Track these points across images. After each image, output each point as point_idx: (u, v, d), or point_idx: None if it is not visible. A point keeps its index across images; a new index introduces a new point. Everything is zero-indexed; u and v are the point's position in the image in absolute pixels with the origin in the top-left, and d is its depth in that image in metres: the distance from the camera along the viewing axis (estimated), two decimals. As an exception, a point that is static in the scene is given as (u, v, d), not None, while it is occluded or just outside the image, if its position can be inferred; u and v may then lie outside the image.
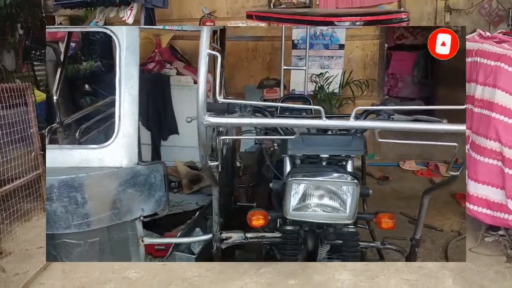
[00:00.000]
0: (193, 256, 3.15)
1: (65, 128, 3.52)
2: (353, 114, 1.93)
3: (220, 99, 1.97)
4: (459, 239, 4.17)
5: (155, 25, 5.10)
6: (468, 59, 3.62)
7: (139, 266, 3.34)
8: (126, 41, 2.52)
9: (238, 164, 4.32)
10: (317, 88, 5.76)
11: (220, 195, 2.72)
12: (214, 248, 2.67)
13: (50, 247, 2.58)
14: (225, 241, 2.68)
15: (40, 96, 4.42)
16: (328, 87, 5.73)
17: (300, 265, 3.29)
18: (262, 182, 3.75)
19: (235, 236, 2.68)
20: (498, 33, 3.77)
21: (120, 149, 2.55)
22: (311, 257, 2.50)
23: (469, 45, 3.63)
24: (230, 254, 3.12)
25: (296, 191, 2.21)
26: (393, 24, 3.41)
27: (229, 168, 3.92)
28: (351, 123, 1.93)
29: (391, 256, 3.18)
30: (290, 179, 2.20)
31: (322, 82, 5.76)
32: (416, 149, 6.07)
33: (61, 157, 2.57)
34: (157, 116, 4.77)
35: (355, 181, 2.17)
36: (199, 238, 2.99)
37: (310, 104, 3.56)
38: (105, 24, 5.11)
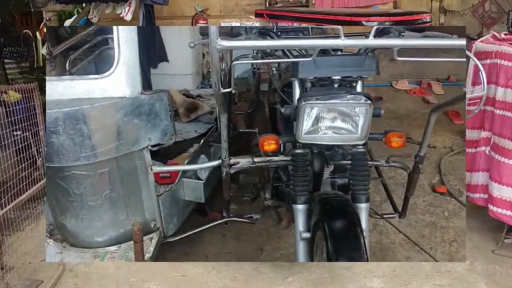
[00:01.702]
0: (201, 181, 3.17)
1: (52, 59, 3.39)
2: (372, 32, 1.85)
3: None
4: (452, 154, 4.36)
5: (155, 22, 4.90)
6: (487, 61, 3.59)
7: (158, 278, 3.29)
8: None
9: (233, 91, 4.15)
10: None
11: (221, 123, 2.75)
12: (224, 173, 2.70)
13: (60, 180, 2.59)
14: (233, 166, 2.70)
15: (14, 96, 4.18)
16: None
17: (329, 273, 3.26)
18: (260, 108, 3.80)
19: (243, 161, 2.70)
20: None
21: (122, 78, 2.51)
22: (317, 178, 2.50)
23: (486, 46, 3.59)
24: (234, 179, 3.18)
25: (309, 114, 2.17)
26: (417, 24, 3.37)
27: (226, 94, 3.84)
28: (372, 41, 1.86)
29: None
30: (303, 103, 2.14)
31: None
32: (408, 68, 6.09)
33: (61, 89, 2.52)
34: (144, 43, 4.57)
35: (369, 101, 2.13)
36: (208, 164, 2.99)
37: (309, 31, 3.38)
38: (99, 21, 4.87)
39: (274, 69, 3.02)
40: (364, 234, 2.16)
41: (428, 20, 3.42)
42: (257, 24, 5.42)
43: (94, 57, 3.59)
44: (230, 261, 3.43)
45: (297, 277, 3.30)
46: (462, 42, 1.85)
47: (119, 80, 2.50)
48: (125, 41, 2.51)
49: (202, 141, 3.55)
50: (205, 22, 5.52)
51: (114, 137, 2.54)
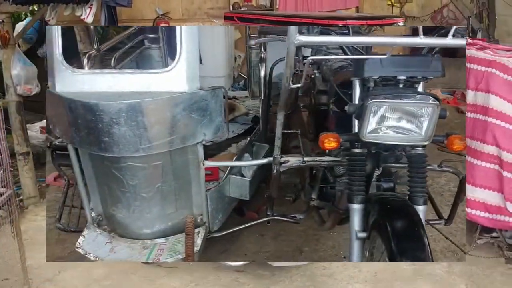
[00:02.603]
0: (247, 179, 3.21)
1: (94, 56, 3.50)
2: (451, 32, 1.91)
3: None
4: None
5: (117, 25, 4.71)
6: (459, 66, 3.69)
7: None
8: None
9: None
10: None
11: (262, 123, 3.09)
12: (274, 171, 2.76)
13: (115, 170, 2.69)
14: (283, 165, 2.74)
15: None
16: None
17: (311, 281, 3.27)
18: (297, 110, 3.83)
19: (293, 160, 2.74)
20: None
21: (183, 73, 2.57)
22: (368, 179, 2.49)
23: (454, 51, 3.70)
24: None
25: (375, 113, 2.15)
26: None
27: (266, 97, 3.89)
28: (450, 41, 1.90)
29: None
30: (370, 101, 2.13)
31: None
32: (442, 78, 6.13)
33: (119, 82, 2.60)
34: None
35: (436, 102, 2.13)
36: (260, 161, 3.12)
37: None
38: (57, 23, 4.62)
39: (316, 72, 3.13)
40: None
41: (402, 24, 3.45)
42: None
43: (136, 55, 3.83)
44: (269, 259, 3.53)
45: (279, 286, 3.26)
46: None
47: (180, 75, 2.57)
48: (187, 37, 2.58)
49: (248, 139, 3.67)
50: (167, 25, 5.37)
51: (171, 130, 2.60)
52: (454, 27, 2.03)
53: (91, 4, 4.40)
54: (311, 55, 2.63)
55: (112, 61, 3.45)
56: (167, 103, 2.54)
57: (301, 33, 2.08)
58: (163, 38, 4.26)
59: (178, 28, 2.59)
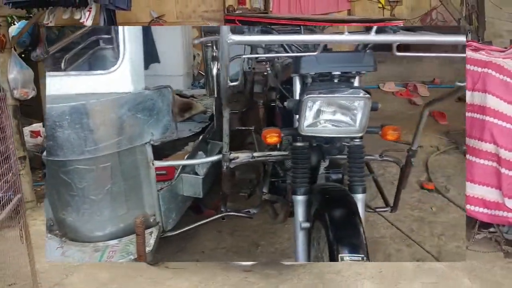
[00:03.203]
0: (200, 177, 3.24)
1: (47, 59, 3.48)
2: (374, 29, 1.99)
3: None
4: (438, 153, 4.65)
5: (116, 28, 4.71)
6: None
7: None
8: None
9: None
10: None
11: (217, 119, 2.87)
12: (224, 167, 2.77)
13: (63, 174, 2.63)
14: (233, 161, 2.77)
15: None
16: None
17: (319, 278, 3.28)
18: (254, 107, 3.90)
19: (243, 156, 2.78)
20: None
21: (127, 74, 2.58)
22: (314, 172, 2.61)
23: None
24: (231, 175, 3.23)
25: (311, 108, 2.26)
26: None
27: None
28: (374, 37, 1.98)
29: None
30: (306, 96, 2.23)
31: None
32: (395, 70, 6.25)
33: (65, 84, 2.58)
34: None
35: (367, 95, 2.25)
36: (209, 159, 3.11)
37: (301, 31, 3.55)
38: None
39: (268, 69, 3.18)
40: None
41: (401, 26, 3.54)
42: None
43: (88, 56, 3.66)
44: (226, 255, 3.53)
45: (287, 285, 3.31)
46: (462, 38, 2.00)
47: (124, 76, 2.57)
48: (130, 38, 2.59)
49: (200, 137, 3.63)
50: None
51: (118, 131, 2.60)
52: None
53: (90, 8, 4.40)
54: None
55: (63, 63, 3.38)
56: (112, 104, 2.55)
57: (241, 32, 2.29)
58: (116, 38, 4.19)
59: (120, 29, 2.60)
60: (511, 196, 3.52)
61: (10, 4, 4.24)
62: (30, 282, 3.23)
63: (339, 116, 2.27)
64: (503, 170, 3.52)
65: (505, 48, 4.21)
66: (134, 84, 2.60)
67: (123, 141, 2.64)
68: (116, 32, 2.65)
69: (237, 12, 5.69)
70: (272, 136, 2.41)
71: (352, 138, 2.43)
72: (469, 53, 3.73)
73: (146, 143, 2.75)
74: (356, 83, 2.42)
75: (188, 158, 3.31)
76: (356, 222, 2.20)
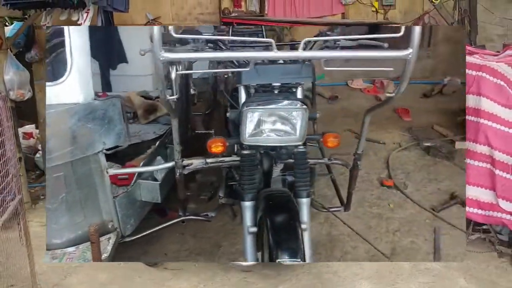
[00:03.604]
0: (157, 183, 3.26)
1: None
2: (301, 45, 2.06)
3: (174, 33, 2.00)
4: (399, 150, 4.72)
5: (114, 30, 4.72)
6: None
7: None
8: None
9: (192, 91, 4.26)
10: None
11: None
12: (177, 174, 2.81)
13: None
14: (186, 167, 2.82)
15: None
16: None
17: (318, 278, 3.31)
18: (217, 108, 3.85)
19: (196, 162, 2.83)
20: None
21: (75, 85, 2.60)
22: (267, 176, 2.72)
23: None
24: (192, 178, 3.42)
25: (251, 119, 2.34)
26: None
27: (184, 96, 3.97)
28: (300, 53, 2.04)
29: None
30: (245, 108, 2.33)
31: None
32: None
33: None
34: (103, 44, 4.53)
35: (304, 106, 2.34)
36: (162, 166, 3.10)
37: (261, 28, 3.69)
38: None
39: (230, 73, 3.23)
40: (305, 226, 2.40)
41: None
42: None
43: (51, 60, 3.51)
44: (189, 256, 3.55)
45: (286, 285, 3.35)
46: (407, 52, 1.96)
47: (72, 87, 2.59)
48: (77, 47, 2.59)
49: (157, 143, 3.61)
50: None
51: (69, 142, 2.63)
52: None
53: (88, 9, 4.39)
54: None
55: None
56: (61, 115, 2.58)
57: (186, 43, 2.39)
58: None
59: (66, 34, 2.60)
60: (505, 197, 3.59)
61: (8, 5, 4.22)
62: (29, 283, 3.23)
63: (279, 126, 2.37)
64: (497, 172, 3.59)
65: (498, 52, 4.30)
66: (83, 95, 2.63)
67: (75, 151, 2.67)
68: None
69: (233, 14, 5.73)
70: (217, 146, 2.52)
71: (296, 146, 2.53)
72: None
73: (98, 152, 2.79)
74: (298, 93, 2.53)
75: (145, 164, 3.30)
76: (295, 227, 2.33)
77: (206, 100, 4.49)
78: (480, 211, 3.71)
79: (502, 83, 3.63)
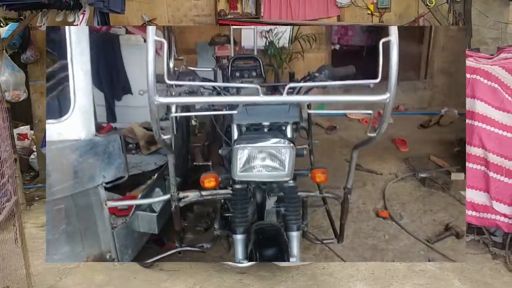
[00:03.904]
0: (154, 214, 3.32)
1: None
2: (285, 91, 2.18)
3: (168, 80, 2.18)
4: (396, 180, 4.70)
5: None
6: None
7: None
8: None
9: (193, 122, 4.28)
10: (267, 44, 5.84)
11: (177, 155, 3.02)
12: (173, 207, 2.86)
13: None
14: (182, 200, 2.87)
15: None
16: (278, 42, 5.80)
17: (313, 280, 3.33)
18: (217, 140, 3.90)
19: (191, 195, 2.88)
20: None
21: (78, 122, 2.69)
22: (260, 208, 2.82)
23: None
24: (189, 209, 3.51)
25: (241, 156, 2.46)
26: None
27: (185, 127, 4.07)
28: (283, 98, 2.19)
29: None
30: (235, 146, 2.46)
31: (272, 37, 5.80)
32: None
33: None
34: (109, 76, 4.55)
35: (291, 144, 2.46)
36: (158, 199, 3.15)
37: (259, 64, 3.83)
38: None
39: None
40: (294, 260, 2.50)
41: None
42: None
43: (53, 96, 3.63)
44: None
45: (282, 286, 3.37)
46: (384, 97, 2.07)
47: (75, 124, 2.69)
48: (80, 87, 2.68)
49: (156, 175, 3.65)
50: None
51: (70, 176, 2.70)
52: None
53: (84, 10, 4.41)
54: None
55: None
56: (64, 152, 2.66)
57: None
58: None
59: (71, 79, 2.68)
60: (499, 199, 3.63)
61: (4, 6, 4.23)
62: (24, 285, 3.22)
63: (268, 162, 2.48)
64: (491, 174, 3.63)
65: (492, 55, 4.34)
66: (85, 131, 2.72)
67: (76, 184, 2.74)
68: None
69: (229, 16, 5.74)
70: (209, 181, 2.63)
71: (286, 181, 2.63)
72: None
73: (98, 185, 2.85)
74: (288, 131, 2.65)
75: (143, 195, 3.35)
76: (283, 260, 2.45)
77: (206, 131, 4.51)
78: (474, 213, 3.74)
79: (496, 85, 3.67)
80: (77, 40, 2.64)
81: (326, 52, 6.13)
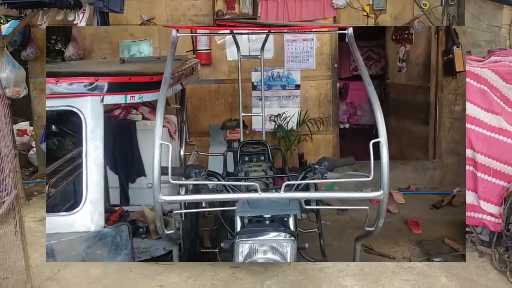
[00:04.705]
0: None
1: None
2: (282, 188, 2.37)
3: (172, 180, 2.36)
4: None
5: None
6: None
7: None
8: (91, 114, 2.76)
9: (203, 204, 4.29)
10: (276, 127, 6.03)
11: (185, 239, 3.30)
12: None
13: None
14: None
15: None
16: (286, 125, 6.00)
17: (304, 275, 3.41)
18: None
19: None
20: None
21: (88, 215, 2.79)
22: None
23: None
24: None
25: (242, 249, 2.56)
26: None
27: (194, 213, 3.99)
28: (281, 195, 2.37)
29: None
30: (237, 239, 2.58)
31: (280, 121, 6.03)
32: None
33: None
34: (124, 160, 4.75)
35: (292, 238, 2.57)
36: None
37: (267, 148, 3.96)
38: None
39: None
40: None
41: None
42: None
43: (62, 188, 3.75)
44: None
45: (274, 280, 3.46)
46: (378, 193, 2.32)
47: (85, 216, 2.79)
48: (92, 183, 2.79)
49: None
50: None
51: None
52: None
53: (84, 9, 4.49)
54: None
55: (47, 188, 3.58)
56: (72, 244, 2.76)
57: (189, 176, 2.69)
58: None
59: (84, 171, 2.79)
60: (486, 199, 3.72)
61: (6, 5, 4.31)
62: (23, 276, 3.31)
63: (270, 255, 2.56)
64: (479, 174, 3.73)
65: (483, 58, 4.43)
66: (94, 224, 2.80)
67: None
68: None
69: (226, 17, 5.81)
70: None
71: None
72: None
73: None
74: (290, 223, 2.71)
75: None
76: None
77: (214, 215, 4.51)
78: None
79: (485, 88, 3.76)
80: (92, 137, 2.77)
81: (334, 133, 6.25)
